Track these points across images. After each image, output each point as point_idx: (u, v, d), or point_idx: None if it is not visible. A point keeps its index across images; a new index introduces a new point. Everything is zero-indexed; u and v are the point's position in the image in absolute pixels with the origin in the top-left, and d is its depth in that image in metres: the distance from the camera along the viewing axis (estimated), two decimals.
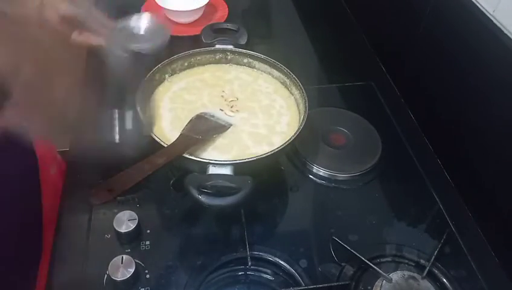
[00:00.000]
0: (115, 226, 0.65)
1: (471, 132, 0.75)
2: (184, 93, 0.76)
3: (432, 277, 0.64)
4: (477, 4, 0.71)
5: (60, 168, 0.91)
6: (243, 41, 0.82)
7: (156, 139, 0.62)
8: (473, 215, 0.74)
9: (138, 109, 0.66)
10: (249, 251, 0.66)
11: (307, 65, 1.06)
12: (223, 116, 0.72)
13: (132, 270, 0.61)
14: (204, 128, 0.68)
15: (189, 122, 0.69)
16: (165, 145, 0.62)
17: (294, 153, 0.81)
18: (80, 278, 0.63)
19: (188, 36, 1.06)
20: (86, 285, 0.62)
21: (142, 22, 0.65)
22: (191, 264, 0.65)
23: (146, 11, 1.12)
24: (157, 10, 1.13)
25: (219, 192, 0.57)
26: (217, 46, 0.80)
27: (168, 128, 0.70)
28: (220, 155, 0.66)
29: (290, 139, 0.64)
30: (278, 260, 0.66)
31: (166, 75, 0.78)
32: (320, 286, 0.63)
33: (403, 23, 0.95)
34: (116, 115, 0.74)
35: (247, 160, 0.61)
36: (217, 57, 0.81)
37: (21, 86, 0.44)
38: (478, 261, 0.68)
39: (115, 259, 0.62)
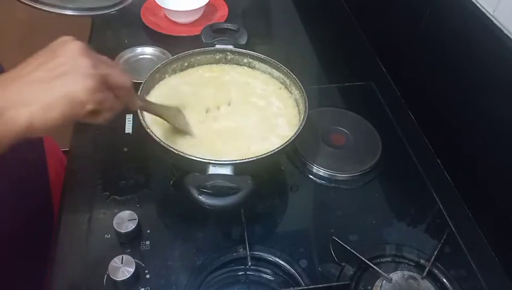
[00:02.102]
0: (114, 226, 0.65)
1: (471, 132, 0.75)
2: (184, 94, 0.76)
3: (432, 277, 0.64)
4: (477, 4, 0.71)
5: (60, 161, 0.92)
6: (243, 41, 0.82)
7: (155, 138, 0.62)
8: (473, 215, 0.74)
9: (138, 110, 0.66)
10: (249, 251, 0.66)
11: (307, 65, 1.06)
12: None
13: (132, 270, 0.61)
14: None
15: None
16: (163, 144, 0.61)
17: (294, 153, 0.81)
18: (80, 278, 0.63)
19: (188, 36, 1.06)
20: (86, 285, 0.62)
21: None
22: (191, 264, 0.65)
23: (146, 10, 1.12)
24: (157, 10, 1.13)
25: (219, 192, 0.57)
26: (217, 46, 0.80)
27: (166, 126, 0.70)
28: (220, 155, 0.66)
29: (290, 139, 0.64)
30: (278, 260, 0.66)
31: (166, 75, 0.77)
32: (320, 286, 0.63)
33: (403, 23, 0.95)
34: None
35: (247, 160, 0.61)
36: (217, 57, 0.81)
37: None
38: (478, 261, 0.68)
39: (115, 259, 0.62)
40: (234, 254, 0.66)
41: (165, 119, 0.66)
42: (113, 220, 0.66)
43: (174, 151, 0.61)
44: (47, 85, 0.42)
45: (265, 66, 0.80)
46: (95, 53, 0.46)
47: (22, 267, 0.77)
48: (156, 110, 0.64)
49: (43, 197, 0.84)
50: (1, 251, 0.74)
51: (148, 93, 0.73)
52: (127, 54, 0.99)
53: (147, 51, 1.00)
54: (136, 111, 0.66)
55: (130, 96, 0.52)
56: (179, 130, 0.68)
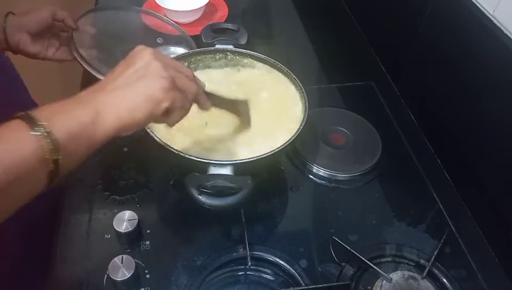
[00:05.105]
0: (114, 226, 0.65)
1: (471, 132, 0.75)
2: None
3: (432, 277, 0.64)
4: (477, 4, 0.71)
5: None
6: (243, 41, 0.82)
7: (155, 138, 0.62)
8: (473, 215, 0.74)
9: None
10: (249, 251, 0.66)
11: (307, 65, 1.06)
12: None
13: (132, 270, 0.61)
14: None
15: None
16: (163, 144, 0.61)
17: (294, 153, 0.81)
18: (80, 278, 0.63)
19: None
20: (86, 285, 0.63)
21: None
22: (191, 264, 0.65)
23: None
24: (157, 10, 1.13)
25: (219, 192, 0.57)
26: (217, 46, 0.80)
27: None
28: (221, 155, 0.66)
29: (290, 139, 0.64)
30: (278, 260, 0.66)
31: None
32: (320, 286, 0.63)
33: (403, 23, 0.95)
34: None
35: (247, 160, 0.61)
36: (217, 57, 0.81)
37: None
38: (478, 261, 0.68)
39: (115, 259, 0.62)
40: (234, 254, 0.66)
41: (231, 112, 0.68)
42: (113, 220, 0.66)
43: (174, 151, 0.61)
44: (128, 88, 0.48)
45: (265, 66, 0.80)
46: (164, 57, 0.52)
47: (28, 266, 0.77)
48: (225, 105, 0.66)
49: (52, 196, 0.84)
50: (9, 249, 0.74)
51: None
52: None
53: None
54: None
55: (197, 96, 0.56)
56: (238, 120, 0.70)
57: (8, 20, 0.75)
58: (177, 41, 0.96)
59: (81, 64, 0.79)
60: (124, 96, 0.47)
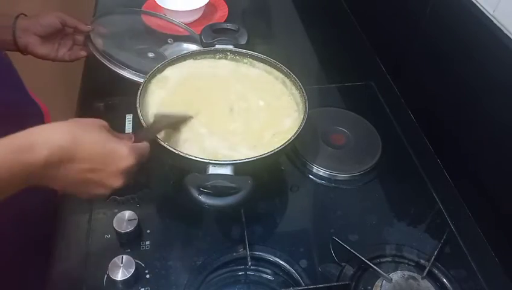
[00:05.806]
0: (114, 226, 0.65)
1: (471, 132, 0.75)
2: (183, 94, 0.76)
3: (432, 277, 0.64)
4: (477, 4, 0.71)
5: None
6: (243, 41, 0.82)
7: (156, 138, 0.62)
8: (473, 215, 0.74)
9: (138, 110, 0.66)
10: (249, 251, 0.66)
11: (307, 65, 1.06)
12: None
13: (132, 270, 0.61)
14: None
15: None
16: (163, 144, 0.61)
17: (294, 153, 0.81)
18: (80, 278, 0.63)
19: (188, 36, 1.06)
20: (86, 285, 0.63)
21: None
22: (191, 264, 0.65)
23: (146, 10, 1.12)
24: (157, 10, 1.13)
25: (219, 192, 0.57)
26: (217, 46, 0.80)
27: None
28: (222, 155, 0.66)
29: (290, 139, 0.64)
30: (278, 260, 0.66)
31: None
32: (320, 286, 0.63)
33: (403, 23, 0.95)
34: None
35: (247, 160, 0.61)
36: (217, 57, 0.81)
37: None
38: (478, 261, 0.68)
39: (115, 259, 0.62)
40: (234, 254, 0.66)
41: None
42: (113, 220, 0.66)
43: (174, 151, 0.61)
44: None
45: (265, 66, 0.80)
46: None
47: (27, 266, 0.77)
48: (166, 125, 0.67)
49: (52, 196, 0.84)
50: (8, 249, 0.73)
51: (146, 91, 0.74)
52: None
53: None
54: (136, 110, 0.66)
55: None
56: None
57: (17, 22, 0.75)
58: (185, 40, 0.98)
59: (104, 62, 0.81)
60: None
